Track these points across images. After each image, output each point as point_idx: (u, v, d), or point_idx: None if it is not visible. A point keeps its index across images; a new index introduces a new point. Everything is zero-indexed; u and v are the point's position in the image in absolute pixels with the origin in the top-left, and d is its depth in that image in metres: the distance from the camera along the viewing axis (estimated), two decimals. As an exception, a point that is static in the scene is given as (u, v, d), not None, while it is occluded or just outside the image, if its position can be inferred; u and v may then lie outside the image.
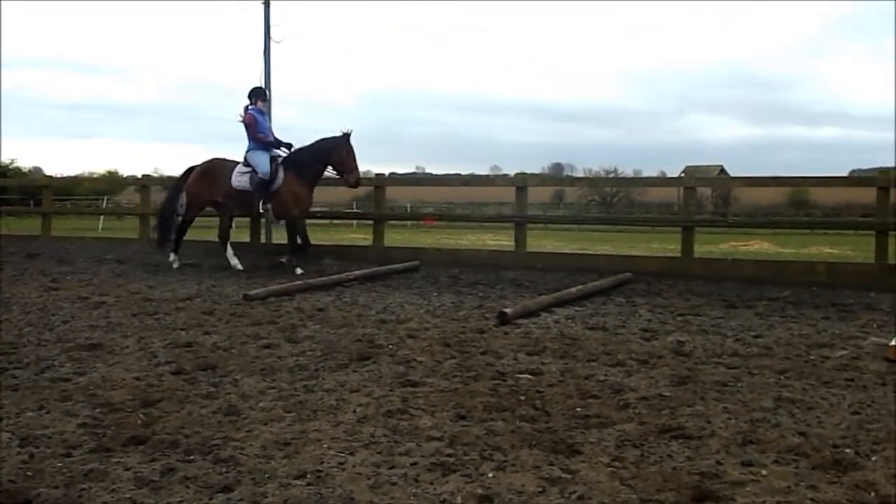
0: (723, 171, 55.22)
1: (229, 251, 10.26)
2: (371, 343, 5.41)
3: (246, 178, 10.01)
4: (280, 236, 12.85)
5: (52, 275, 9.30)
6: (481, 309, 7.01)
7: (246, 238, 12.37)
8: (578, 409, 3.84)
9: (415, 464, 3.07)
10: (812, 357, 5.09)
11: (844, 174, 30.75)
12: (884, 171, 13.05)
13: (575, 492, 2.80)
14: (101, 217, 30.52)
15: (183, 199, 10.54)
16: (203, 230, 11.37)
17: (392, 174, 26.13)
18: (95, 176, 37.97)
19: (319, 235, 11.77)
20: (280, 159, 10.08)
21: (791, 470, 3.04)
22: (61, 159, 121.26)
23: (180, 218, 10.63)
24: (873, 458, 3.17)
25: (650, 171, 60.94)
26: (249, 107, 10.19)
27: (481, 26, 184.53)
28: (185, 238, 10.70)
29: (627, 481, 2.91)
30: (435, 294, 8.00)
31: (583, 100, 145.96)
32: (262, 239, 12.52)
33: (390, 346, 5.31)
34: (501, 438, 3.39)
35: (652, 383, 4.37)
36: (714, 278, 9.31)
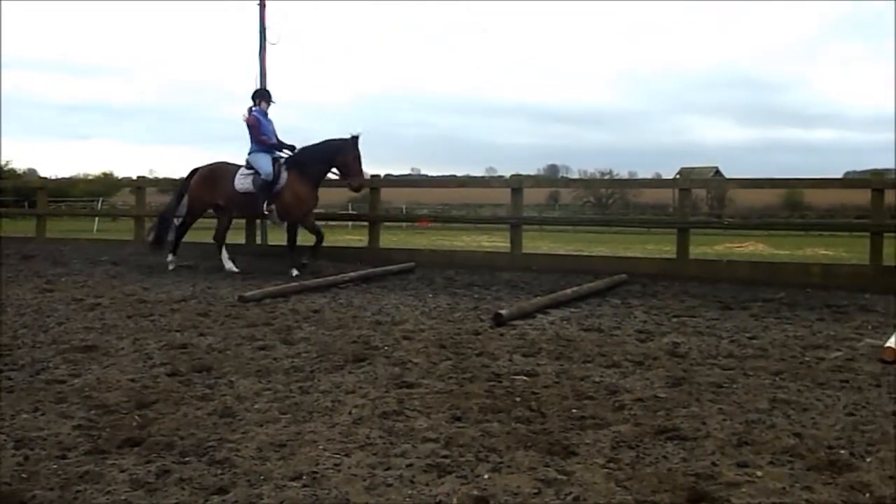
0: (718, 172, 55.30)
1: (224, 253, 10.24)
2: (366, 344, 5.41)
3: (249, 180, 10.00)
4: (277, 238, 12.85)
5: (46, 276, 9.27)
6: (477, 310, 7.01)
7: (241, 239, 12.36)
8: (574, 411, 3.84)
9: (410, 465, 3.07)
10: (807, 358, 5.11)
11: (839, 176, 30.85)
12: (878, 172, 13.09)
13: (570, 493, 2.80)
14: (96, 219, 30.47)
15: (184, 201, 10.53)
16: (198, 232, 11.34)
17: (387, 176, 26.12)
18: (90, 177, 37.93)
19: (310, 238, 11.74)
20: (283, 160, 10.07)
21: (786, 471, 3.05)
22: (59, 161, 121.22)
23: (179, 220, 10.62)
24: (868, 460, 3.18)
25: (645, 173, 61.15)
26: (253, 108, 10.17)
27: (481, 26, 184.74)
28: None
29: (623, 482, 2.91)
30: (430, 295, 8.00)
31: (578, 101, 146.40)
32: (258, 240, 12.53)
33: (386, 348, 5.30)
34: (497, 440, 3.39)
35: (647, 384, 4.37)
36: (709, 280, 9.33)
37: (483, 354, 5.14)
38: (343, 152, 9.88)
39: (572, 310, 7.07)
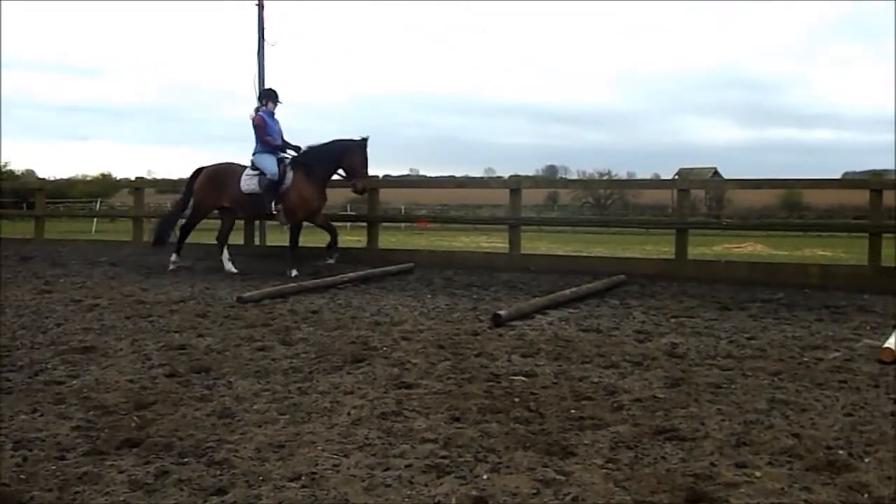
0: (716, 173, 55.34)
1: (225, 254, 10.23)
2: (365, 345, 5.41)
3: (255, 181, 9.96)
4: (275, 239, 12.86)
5: (45, 277, 9.27)
6: (475, 311, 7.01)
7: (240, 241, 12.36)
8: (572, 411, 3.84)
9: (409, 466, 3.07)
10: (805, 359, 5.11)
11: (837, 177, 30.83)
12: (876, 173, 13.10)
13: (569, 493, 2.81)
14: (95, 220, 30.47)
15: (189, 202, 10.52)
16: (198, 232, 11.33)
17: (386, 176, 26.13)
18: (89, 178, 37.93)
19: (314, 238, 11.74)
20: (288, 160, 10.07)
21: (785, 471, 3.05)
22: (58, 161, 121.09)
23: (182, 221, 10.61)
24: (866, 460, 3.18)
25: (644, 174, 61.25)
26: (260, 109, 10.16)
27: (481, 26, 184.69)
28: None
29: (621, 483, 2.92)
30: (429, 296, 8.00)
31: (578, 101, 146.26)
32: (257, 241, 12.53)
33: (384, 349, 5.30)
34: (496, 440, 3.39)
35: (646, 385, 4.37)
36: (708, 280, 9.33)
37: (482, 355, 5.14)
38: (351, 154, 9.89)
39: (571, 310, 7.07)
